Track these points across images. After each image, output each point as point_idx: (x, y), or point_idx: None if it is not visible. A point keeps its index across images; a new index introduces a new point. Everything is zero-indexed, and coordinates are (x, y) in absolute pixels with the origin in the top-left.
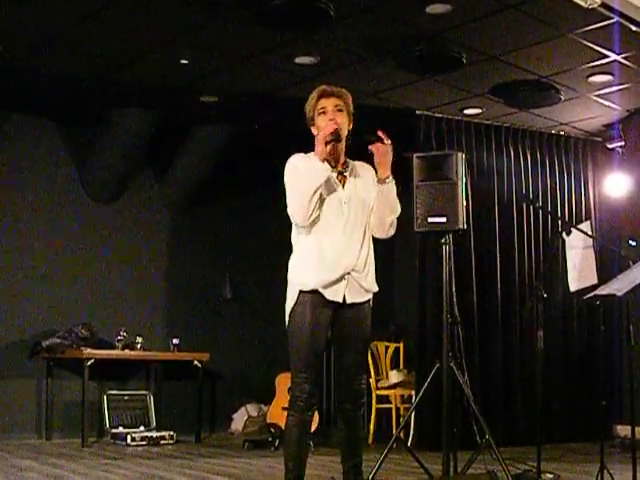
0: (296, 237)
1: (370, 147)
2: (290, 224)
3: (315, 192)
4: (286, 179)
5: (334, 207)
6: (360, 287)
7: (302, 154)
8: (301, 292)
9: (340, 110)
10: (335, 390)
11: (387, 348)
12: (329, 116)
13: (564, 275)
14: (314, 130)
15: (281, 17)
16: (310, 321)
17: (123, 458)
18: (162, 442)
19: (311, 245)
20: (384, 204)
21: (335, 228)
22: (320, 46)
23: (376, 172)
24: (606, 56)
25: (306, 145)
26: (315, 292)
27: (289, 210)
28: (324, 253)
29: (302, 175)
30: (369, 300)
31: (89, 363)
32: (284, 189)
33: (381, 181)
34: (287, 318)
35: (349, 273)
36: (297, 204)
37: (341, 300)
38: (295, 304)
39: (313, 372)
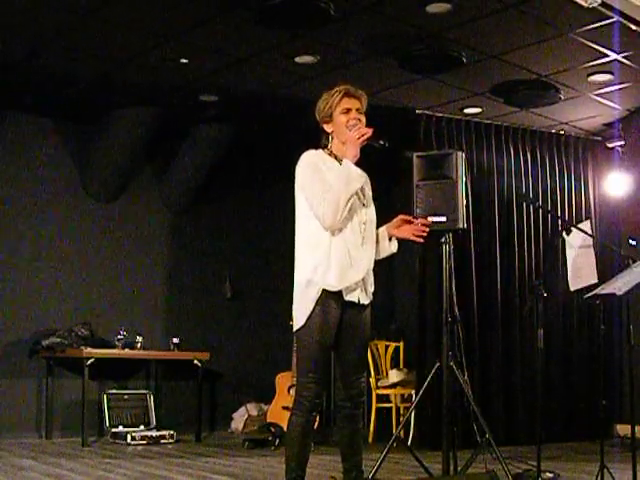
0: (314, 236)
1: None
2: (293, 224)
3: (351, 198)
4: (307, 178)
5: (355, 206)
6: (369, 289)
7: (314, 151)
8: (324, 293)
9: (361, 113)
10: (335, 389)
11: (387, 347)
12: (353, 117)
13: (564, 274)
14: (328, 127)
15: (281, 16)
16: (327, 322)
17: (123, 457)
18: (162, 441)
19: (336, 245)
20: (383, 253)
21: (356, 229)
22: (320, 45)
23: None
24: (606, 55)
25: (306, 145)
26: (336, 293)
27: (319, 213)
28: (351, 254)
29: (324, 175)
30: (371, 302)
31: (89, 362)
32: (284, 189)
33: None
34: (303, 319)
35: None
36: (332, 208)
37: (356, 300)
38: (315, 305)
39: (323, 373)
